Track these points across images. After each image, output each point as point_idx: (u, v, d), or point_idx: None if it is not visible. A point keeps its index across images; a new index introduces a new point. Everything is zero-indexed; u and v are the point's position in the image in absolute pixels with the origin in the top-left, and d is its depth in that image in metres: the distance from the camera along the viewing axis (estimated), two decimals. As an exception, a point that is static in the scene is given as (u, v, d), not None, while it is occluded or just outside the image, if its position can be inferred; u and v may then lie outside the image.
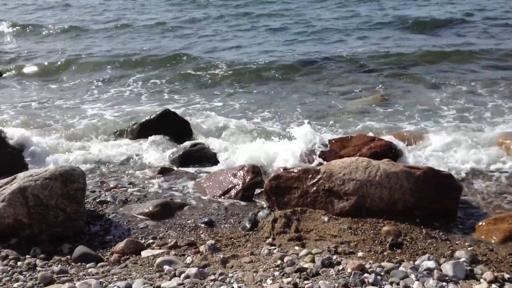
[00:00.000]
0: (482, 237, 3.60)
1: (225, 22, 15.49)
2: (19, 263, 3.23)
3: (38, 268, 3.17)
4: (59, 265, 3.25)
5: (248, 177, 4.67)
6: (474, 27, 12.76)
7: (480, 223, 3.74)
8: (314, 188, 4.10)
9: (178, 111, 6.92)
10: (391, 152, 5.10)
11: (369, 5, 17.19)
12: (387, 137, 5.53)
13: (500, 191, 4.50)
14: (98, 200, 4.43)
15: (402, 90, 8.29)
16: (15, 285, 2.86)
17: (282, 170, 4.53)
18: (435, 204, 3.88)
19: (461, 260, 3.09)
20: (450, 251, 3.31)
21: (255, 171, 4.74)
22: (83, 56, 11.79)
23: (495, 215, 3.86)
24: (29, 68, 10.94)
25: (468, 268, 3.00)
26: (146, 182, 4.98)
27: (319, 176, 4.12)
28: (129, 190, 4.73)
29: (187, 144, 5.87)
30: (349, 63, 10.38)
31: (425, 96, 7.86)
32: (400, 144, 5.38)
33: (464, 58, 9.89)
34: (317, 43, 12.52)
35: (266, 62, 10.35)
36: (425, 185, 3.88)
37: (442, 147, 5.54)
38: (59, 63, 11.14)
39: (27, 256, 3.38)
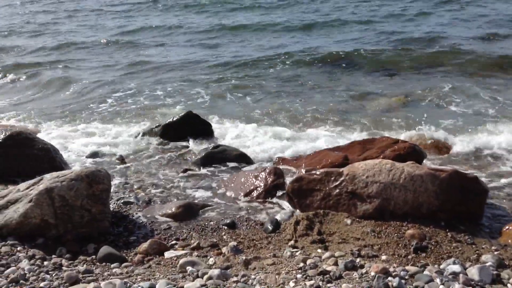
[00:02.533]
0: (509, 241, 3.52)
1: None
2: (45, 263, 3.29)
3: (64, 268, 3.22)
4: (85, 265, 3.30)
5: (270, 179, 4.67)
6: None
7: (507, 227, 3.66)
8: (337, 190, 4.07)
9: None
10: (415, 155, 5.02)
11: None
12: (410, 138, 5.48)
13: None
14: (122, 201, 4.49)
15: (427, 90, 8.18)
16: (42, 284, 2.91)
17: (304, 172, 4.52)
18: (460, 207, 3.81)
19: (488, 264, 3.03)
20: (476, 255, 3.25)
21: (277, 172, 4.74)
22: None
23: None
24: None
25: (495, 272, 2.94)
26: (169, 183, 5.03)
27: (342, 179, 4.09)
28: (153, 191, 4.79)
29: (210, 145, 5.92)
30: (370, 62, 10.33)
31: (449, 97, 7.75)
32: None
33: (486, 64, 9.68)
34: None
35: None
36: (450, 188, 3.81)
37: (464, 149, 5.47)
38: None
39: (53, 256, 3.44)
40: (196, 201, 4.50)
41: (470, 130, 6.27)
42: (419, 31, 13.09)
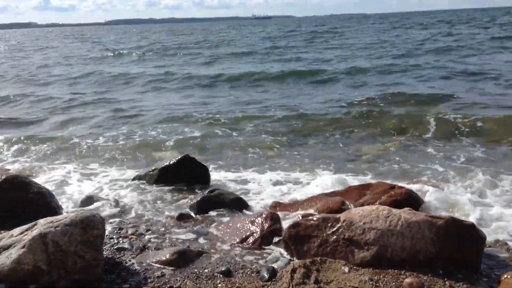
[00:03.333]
0: (509, 290, 3.47)
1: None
2: (36, 311, 3.20)
3: (55, 317, 3.14)
4: (76, 314, 3.21)
5: (267, 225, 4.63)
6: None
7: (506, 276, 3.62)
8: (334, 237, 4.04)
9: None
10: (412, 201, 5.02)
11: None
12: (408, 185, 5.49)
13: (526, 242, 4.37)
14: (116, 247, 4.42)
15: (423, 135, 8.27)
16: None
17: (301, 218, 4.49)
18: (457, 254, 3.77)
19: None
20: (476, 305, 3.19)
21: (274, 218, 4.71)
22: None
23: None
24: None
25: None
26: (164, 228, 4.97)
27: (339, 225, 4.07)
28: (147, 237, 4.73)
29: (206, 190, 5.90)
30: (367, 106, 10.51)
31: (448, 142, 7.82)
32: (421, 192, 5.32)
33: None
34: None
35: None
36: (447, 235, 3.79)
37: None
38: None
39: (45, 304, 3.36)
40: (191, 247, 4.43)
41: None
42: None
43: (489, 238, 4.34)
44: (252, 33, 58.24)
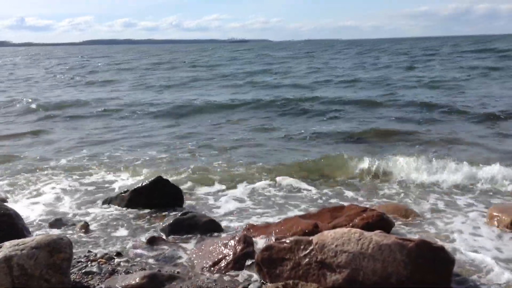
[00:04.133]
0: (478, 313, 3.50)
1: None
2: None
3: None
4: None
5: (239, 247, 4.59)
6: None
7: (476, 298, 3.66)
8: (307, 259, 4.02)
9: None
10: (384, 223, 5.06)
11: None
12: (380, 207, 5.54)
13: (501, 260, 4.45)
14: (84, 270, 4.30)
15: (390, 160, 8.41)
16: None
17: (274, 240, 4.47)
18: (428, 277, 3.80)
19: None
20: (446, 328, 3.21)
21: (247, 240, 4.67)
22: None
23: (490, 289, 3.79)
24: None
25: None
26: (134, 252, 4.86)
27: (311, 247, 4.06)
28: (117, 260, 4.61)
29: (179, 212, 5.82)
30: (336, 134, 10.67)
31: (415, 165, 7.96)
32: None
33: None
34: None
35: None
36: (418, 257, 3.82)
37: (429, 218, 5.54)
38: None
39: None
40: (162, 271, 4.34)
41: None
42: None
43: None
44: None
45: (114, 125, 13.46)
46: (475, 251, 4.74)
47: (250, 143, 10.29)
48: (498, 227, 5.25)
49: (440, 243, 4.65)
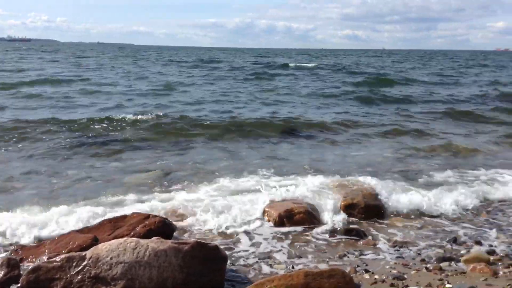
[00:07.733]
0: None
1: None
2: None
3: None
4: None
5: (2, 272, 4.06)
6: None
7: (245, 290, 3.93)
8: (79, 276, 3.76)
9: None
10: (166, 228, 5.08)
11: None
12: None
13: (263, 256, 4.85)
14: None
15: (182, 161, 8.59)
16: None
17: (45, 260, 4.07)
18: (203, 277, 3.94)
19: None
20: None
21: (11, 264, 4.15)
22: None
23: (257, 280, 4.10)
24: None
25: None
26: None
27: (84, 263, 3.82)
28: None
29: None
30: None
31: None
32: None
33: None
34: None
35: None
36: (193, 259, 3.93)
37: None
38: None
39: None
40: None
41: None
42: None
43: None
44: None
45: None
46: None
47: None
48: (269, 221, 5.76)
49: (217, 242, 4.91)
